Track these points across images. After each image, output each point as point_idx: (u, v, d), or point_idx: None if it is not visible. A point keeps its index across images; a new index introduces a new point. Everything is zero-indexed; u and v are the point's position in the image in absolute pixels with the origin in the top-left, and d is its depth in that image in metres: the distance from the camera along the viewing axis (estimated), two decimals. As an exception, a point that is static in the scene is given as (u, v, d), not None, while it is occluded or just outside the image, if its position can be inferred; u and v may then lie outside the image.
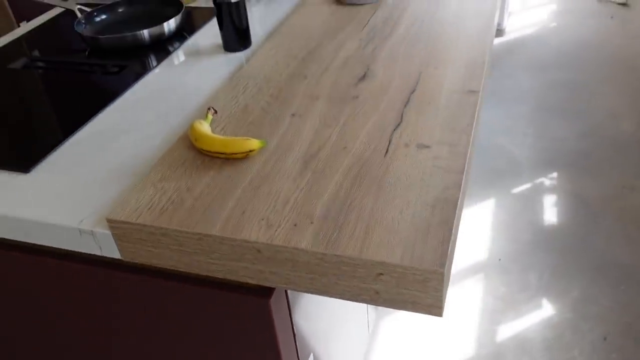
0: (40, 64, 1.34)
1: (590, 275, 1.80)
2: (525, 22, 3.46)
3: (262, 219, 0.76)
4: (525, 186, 2.22)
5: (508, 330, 1.66)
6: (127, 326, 0.98)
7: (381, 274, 0.70)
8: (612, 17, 3.39)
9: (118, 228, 0.80)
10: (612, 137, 2.43)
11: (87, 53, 1.36)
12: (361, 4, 1.39)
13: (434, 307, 0.71)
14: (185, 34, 1.39)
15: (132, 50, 1.33)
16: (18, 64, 1.34)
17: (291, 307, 0.89)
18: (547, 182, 2.23)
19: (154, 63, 1.27)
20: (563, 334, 1.63)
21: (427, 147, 0.87)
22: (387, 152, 0.87)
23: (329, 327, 1.16)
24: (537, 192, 2.18)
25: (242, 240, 0.74)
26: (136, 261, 0.83)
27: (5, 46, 1.43)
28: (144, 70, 1.24)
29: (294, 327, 0.92)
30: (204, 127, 0.91)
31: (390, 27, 1.27)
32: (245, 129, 0.95)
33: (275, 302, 0.83)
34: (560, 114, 2.61)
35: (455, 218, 0.74)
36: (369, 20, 1.31)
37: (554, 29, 3.36)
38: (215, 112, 0.98)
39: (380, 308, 1.74)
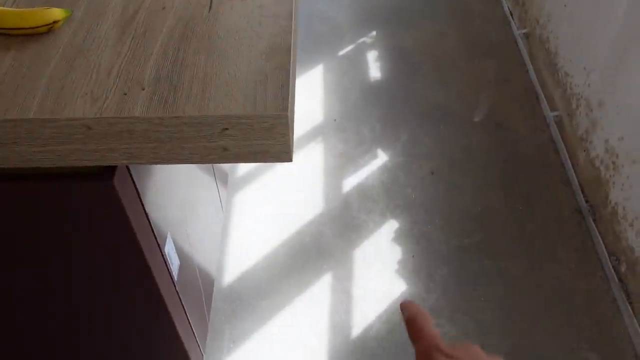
0: None
1: (415, 120, 1.96)
2: None
3: (86, 93, 0.68)
4: (349, 47, 2.28)
5: (351, 182, 1.77)
6: (-50, 245, 0.87)
7: (226, 128, 0.68)
8: None
9: None
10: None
11: None
12: None
13: (283, 152, 0.71)
14: None
15: None
16: None
17: (138, 185, 0.84)
18: (368, 40, 2.31)
19: None
20: (397, 175, 1.78)
21: (252, -4, 0.83)
22: (210, 7, 0.81)
23: (182, 205, 1.13)
24: (360, 52, 2.26)
25: (67, 119, 0.66)
26: (-58, 167, 0.71)
27: None
28: None
29: (145, 208, 0.88)
30: (-10, 1, 0.77)
31: None
32: (44, 0, 0.83)
33: (119, 183, 0.77)
34: (372, -27, 2.67)
35: (291, 63, 0.73)
36: None
37: None
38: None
39: (230, 183, 1.74)
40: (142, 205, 0.85)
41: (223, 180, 1.62)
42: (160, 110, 0.66)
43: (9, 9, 0.76)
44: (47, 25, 0.75)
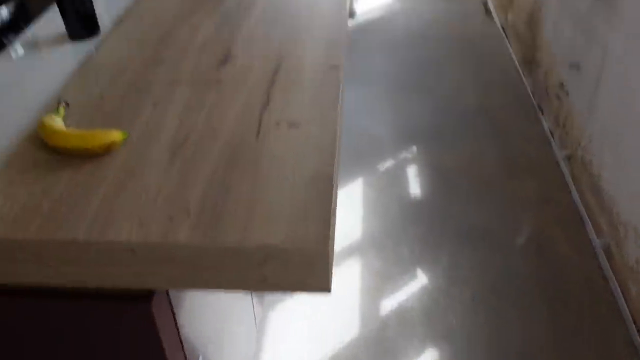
0: None
1: (454, 241, 1.93)
2: (373, 4, 3.61)
3: (133, 216, 0.70)
4: (389, 163, 2.31)
5: (389, 303, 1.72)
6: (-18, 359, 0.85)
7: (267, 258, 0.67)
8: None
9: (-42, 246, 0.69)
10: (459, 110, 2.61)
11: None
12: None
13: (322, 284, 0.69)
14: (21, 24, 1.25)
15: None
16: None
17: (175, 309, 0.83)
18: (408, 156, 2.34)
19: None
20: (437, 299, 1.72)
21: (297, 124, 0.85)
22: (258, 133, 0.84)
23: (216, 327, 1.11)
24: (400, 168, 2.28)
25: (112, 242, 0.67)
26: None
27: None
28: (-28, 67, 1.08)
29: (180, 331, 0.86)
30: (56, 122, 0.81)
31: (244, 9, 1.23)
32: (103, 121, 0.87)
33: (157, 307, 0.76)
34: (414, 91, 2.75)
35: (333, 194, 0.73)
36: (221, 3, 1.26)
37: (400, 10, 3.54)
38: (67, 104, 0.89)
39: (265, 301, 1.71)
40: (177, 328, 0.84)
41: (259, 297, 1.59)
42: (203, 239, 0.66)
43: (73, 130, 0.80)
44: (105, 146, 0.78)
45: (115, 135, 0.79)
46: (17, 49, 1.15)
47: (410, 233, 1.98)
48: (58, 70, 1.04)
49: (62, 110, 0.86)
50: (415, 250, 1.91)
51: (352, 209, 2.09)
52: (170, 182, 0.75)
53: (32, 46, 1.15)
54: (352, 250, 1.92)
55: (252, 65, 1.01)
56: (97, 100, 0.92)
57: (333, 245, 0.70)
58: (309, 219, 0.69)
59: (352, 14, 3.42)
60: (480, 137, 2.45)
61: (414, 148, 2.39)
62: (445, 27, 3.34)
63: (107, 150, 0.79)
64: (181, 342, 0.87)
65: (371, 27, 3.36)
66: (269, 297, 1.74)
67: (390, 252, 1.90)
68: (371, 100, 2.71)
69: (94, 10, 1.16)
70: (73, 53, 1.10)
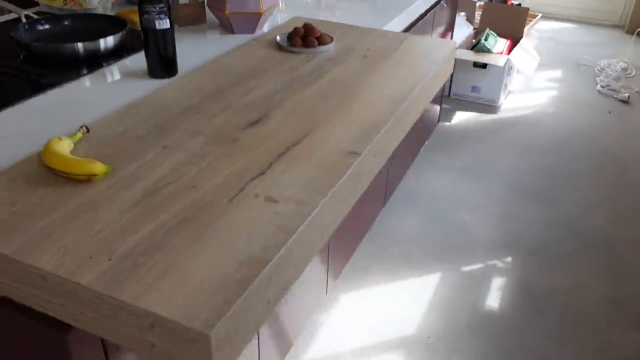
0: (-35, 60, 1.34)
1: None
2: (522, 103, 3.43)
3: (63, 246, 0.72)
4: (476, 266, 2.13)
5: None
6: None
7: (153, 325, 0.64)
8: (610, 112, 3.34)
9: None
10: (578, 231, 2.34)
11: (21, 58, 1.36)
12: (298, 53, 1.37)
13: (206, 372, 0.64)
14: (124, 53, 1.39)
15: (66, 61, 1.33)
16: (-54, 57, 1.35)
17: (108, 348, 0.83)
18: (499, 265, 2.14)
19: (75, 76, 1.25)
20: None
21: (276, 201, 0.82)
22: (232, 199, 0.82)
23: None
24: (487, 274, 2.09)
25: (29, 265, 0.69)
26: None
27: (-54, 39, 1.45)
28: (61, 81, 1.22)
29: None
30: (60, 144, 0.88)
31: (314, 78, 1.24)
32: (108, 152, 0.92)
33: (77, 339, 0.77)
34: (533, 200, 2.53)
35: (259, 279, 0.68)
36: (298, 68, 1.29)
37: (550, 114, 3.31)
38: (88, 130, 0.95)
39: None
40: (101, 367, 0.83)
41: None
42: (103, 286, 0.66)
43: (64, 154, 0.85)
44: (86, 175, 0.83)
45: (98, 168, 0.83)
46: (110, 72, 1.27)
47: (470, 346, 1.78)
48: (119, 100, 1.13)
49: (78, 134, 0.93)
50: (467, 369, 1.72)
51: (415, 302, 1.95)
52: (118, 224, 0.76)
53: (117, 74, 1.27)
54: (396, 345, 1.78)
55: (276, 133, 1.01)
56: (119, 133, 0.98)
57: (235, 337, 0.65)
58: (214, 298, 0.65)
59: (494, 109, 3.28)
60: (592, 269, 2.16)
61: (509, 259, 2.18)
62: (595, 142, 3.05)
63: (88, 179, 0.83)
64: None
65: (511, 124, 3.19)
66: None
67: (439, 358, 1.74)
68: (481, 197, 2.55)
69: (174, 54, 1.25)
70: (142, 88, 1.18)
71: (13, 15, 1.62)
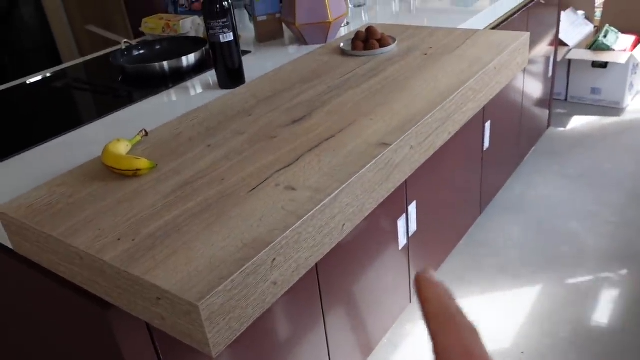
0: (75, 84, 1.55)
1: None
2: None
3: (99, 229, 0.81)
4: (585, 278, 1.96)
5: None
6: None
7: (160, 298, 0.70)
8: None
9: (4, 219, 0.90)
10: None
11: (119, 80, 1.54)
12: (359, 56, 1.40)
13: (202, 343, 0.69)
14: (205, 69, 1.52)
15: (154, 78, 1.48)
16: (60, 83, 1.57)
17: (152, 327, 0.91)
18: (613, 277, 1.95)
19: (160, 90, 1.39)
20: None
21: (294, 189, 0.85)
22: (254, 189, 0.87)
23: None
24: (596, 288, 1.91)
25: (68, 244, 0.79)
26: (21, 253, 0.92)
27: (64, 69, 1.68)
28: (147, 95, 1.37)
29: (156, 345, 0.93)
30: (118, 145, 0.99)
31: (367, 77, 1.26)
32: (161, 152, 1.02)
33: (118, 316, 0.85)
34: (663, 207, 2.28)
35: (257, 258, 0.72)
36: (354, 70, 1.31)
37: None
38: (146, 134, 1.06)
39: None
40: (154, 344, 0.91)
41: None
42: (121, 263, 0.73)
43: (117, 152, 0.96)
44: (132, 170, 0.92)
45: (142, 164, 0.92)
46: (191, 86, 1.40)
47: (567, 364, 1.65)
48: (187, 107, 1.24)
49: (138, 137, 1.04)
50: (563, 386, 1.58)
51: (512, 315, 1.84)
52: (148, 211, 0.84)
53: (196, 87, 1.39)
54: (486, 358, 1.69)
55: (315, 128, 1.04)
56: (174, 135, 1.08)
57: (229, 311, 0.69)
58: (212, 274, 0.69)
59: (618, 111, 3.00)
60: None
61: (624, 272, 1.98)
62: None
63: (134, 174, 0.93)
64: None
65: (636, 127, 2.90)
66: None
67: (530, 375, 1.62)
68: (596, 205, 2.35)
69: (240, 65, 1.34)
70: (209, 98, 1.28)
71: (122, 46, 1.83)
